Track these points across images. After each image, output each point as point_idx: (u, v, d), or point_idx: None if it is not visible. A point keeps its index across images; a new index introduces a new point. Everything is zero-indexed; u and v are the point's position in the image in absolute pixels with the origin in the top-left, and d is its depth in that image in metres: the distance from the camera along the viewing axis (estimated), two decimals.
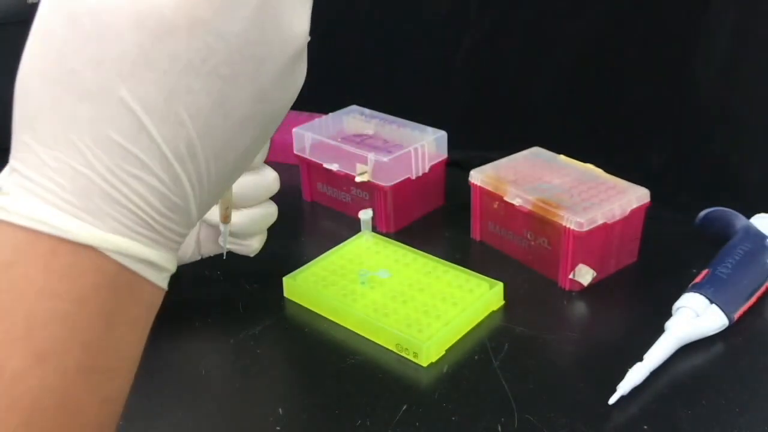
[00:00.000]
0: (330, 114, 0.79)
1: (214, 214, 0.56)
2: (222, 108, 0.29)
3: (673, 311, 0.57)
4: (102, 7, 0.27)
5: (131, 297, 0.30)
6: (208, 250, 0.60)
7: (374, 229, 0.70)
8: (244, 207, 0.56)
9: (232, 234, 0.57)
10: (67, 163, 0.28)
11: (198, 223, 0.57)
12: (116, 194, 0.28)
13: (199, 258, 0.60)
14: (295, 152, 0.77)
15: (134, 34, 0.27)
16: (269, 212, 0.58)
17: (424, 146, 0.72)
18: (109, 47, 0.27)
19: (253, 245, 0.59)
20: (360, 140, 0.76)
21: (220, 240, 0.57)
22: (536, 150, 0.72)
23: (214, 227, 0.58)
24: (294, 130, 0.76)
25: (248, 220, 0.57)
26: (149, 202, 0.29)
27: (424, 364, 0.55)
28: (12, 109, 0.29)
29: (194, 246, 0.59)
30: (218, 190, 0.32)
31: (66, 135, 0.28)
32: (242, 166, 0.32)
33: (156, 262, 0.30)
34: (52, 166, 0.28)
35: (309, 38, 0.32)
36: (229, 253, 0.60)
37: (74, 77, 0.28)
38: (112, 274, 0.28)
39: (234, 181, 0.34)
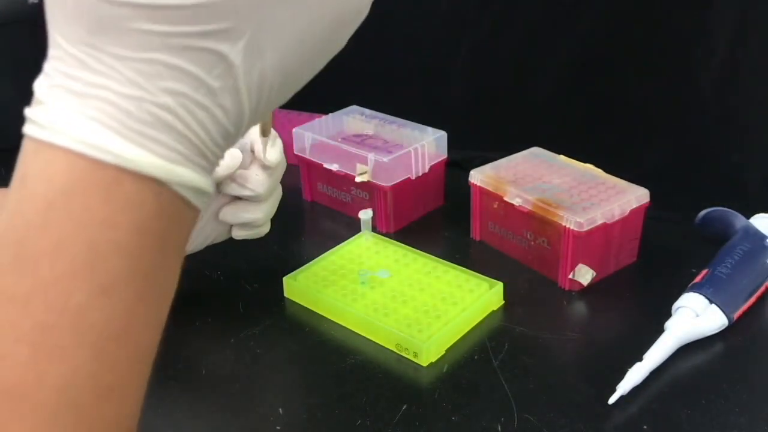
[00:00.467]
0: (330, 114, 0.79)
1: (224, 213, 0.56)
2: (301, 38, 0.28)
3: (672, 311, 0.57)
4: None
5: (180, 223, 0.29)
6: (214, 239, 0.59)
7: (374, 229, 0.70)
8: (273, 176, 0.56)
9: (250, 226, 0.57)
10: (134, 87, 0.26)
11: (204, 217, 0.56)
12: (180, 126, 0.27)
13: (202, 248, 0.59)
14: (295, 152, 0.77)
15: None
16: (280, 188, 0.58)
17: (424, 146, 0.72)
18: None
19: (264, 229, 0.58)
20: (360, 140, 0.76)
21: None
22: (536, 150, 0.72)
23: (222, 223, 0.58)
24: (294, 130, 0.77)
25: (274, 199, 0.57)
26: (209, 133, 0.28)
27: (424, 364, 0.55)
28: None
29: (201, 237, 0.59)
30: (265, 115, 0.31)
31: (136, 58, 0.26)
32: (292, 94, 0.31)
33: (204, 189, 0.29)
34: (115, 90, 0.26)
35: None
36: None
37: None
38: (168, 203, 0.28)
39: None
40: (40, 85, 0.27)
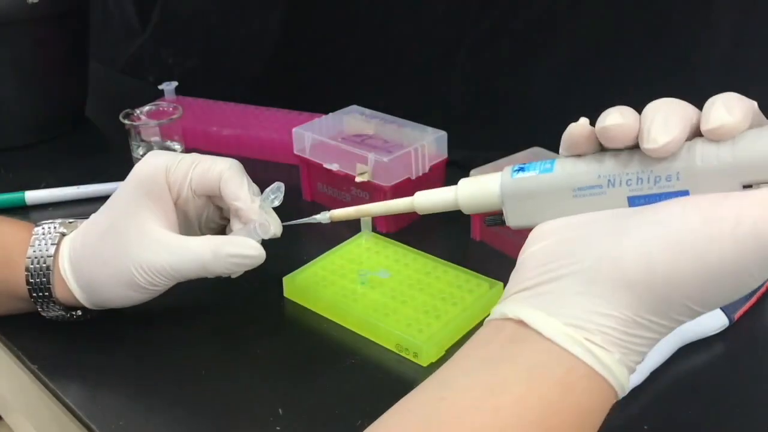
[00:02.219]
0: (330, 114, 0.79)
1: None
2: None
3: None
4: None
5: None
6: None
7: (374, 229, 0.70)
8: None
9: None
10: (642, 331, 0.37)
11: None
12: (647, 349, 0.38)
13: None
14: (295, 152, 0.77)
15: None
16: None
17: (424, 146, 0.72)
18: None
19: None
20: (360, 140, 0.76)
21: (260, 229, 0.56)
22: (536, 150, 0.72)
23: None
24: (294, 130, 0.77)
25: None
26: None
27: (424, 364, 0.55)
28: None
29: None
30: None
31: (657, 323, 0.37)
32: None
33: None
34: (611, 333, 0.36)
35: None
36: None
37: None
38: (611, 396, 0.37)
39: None
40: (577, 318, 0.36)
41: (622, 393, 0.37)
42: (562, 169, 0.41)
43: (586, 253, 0.37)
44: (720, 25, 0.70)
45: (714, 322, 0.56)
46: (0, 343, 0.60)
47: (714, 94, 0.40)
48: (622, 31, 0.76)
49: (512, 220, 0.43)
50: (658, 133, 0.37)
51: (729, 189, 0.35)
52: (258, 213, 0.55)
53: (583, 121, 0.40)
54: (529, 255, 0.40)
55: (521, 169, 0.43)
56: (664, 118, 0.37)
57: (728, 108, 0.37)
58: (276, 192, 0.56)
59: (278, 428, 0.50)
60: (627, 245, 0.36)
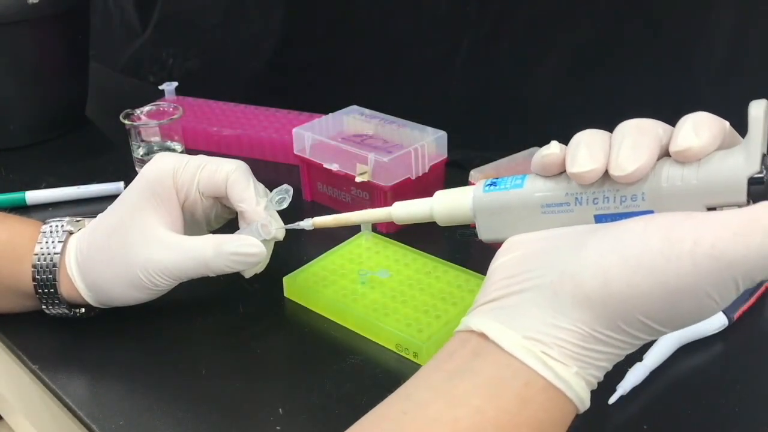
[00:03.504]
0: (330, 114, 0.79)
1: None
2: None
3: None
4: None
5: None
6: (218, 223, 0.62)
7: (374, 229, 0.70)
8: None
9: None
10: (597, 345, 0.36)
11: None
12: (607, 365, 0.37)
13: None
14: (295, 152, 0.77)
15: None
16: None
17: (424, 146, 0.72)
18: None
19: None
20: (360, 140, 0.76)
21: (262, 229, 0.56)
22: (536, 150, 0.72)
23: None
24: (294, 130, 0.77)
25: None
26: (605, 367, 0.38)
27: (424, 364, 0.55)
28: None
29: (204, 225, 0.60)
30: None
31: (614, 338, 0.36)
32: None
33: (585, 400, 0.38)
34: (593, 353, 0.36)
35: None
36: None
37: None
38: (570, 410, 0.38)
39: None
40: (535, 336, 0.36)
41: (582, 407, 0.37)
42: (531, 186, 0.42)
43: (549, 267, 0.37)
44: (720, 25, 0.70)
45: (714, 322, 0.56)
46: (0, 343, 0.61)
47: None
48: (621, 31, 0.76)
49: (483, 234, 0.44)
50: (625, 161, 0.37)
51: (693, 210, 0.36)
52: (262, 215, 0.55)
53: (555, 147, 0.40)
54: (497, 266, 0.40)
55: (493, 184, 0.43)
56: (633, 145, 0.37)
57: (697, 130, 0.36)
58: (283, 194, 0.56)
59: (278, 428, 0.50)
60: (586, 261, 0.36)
